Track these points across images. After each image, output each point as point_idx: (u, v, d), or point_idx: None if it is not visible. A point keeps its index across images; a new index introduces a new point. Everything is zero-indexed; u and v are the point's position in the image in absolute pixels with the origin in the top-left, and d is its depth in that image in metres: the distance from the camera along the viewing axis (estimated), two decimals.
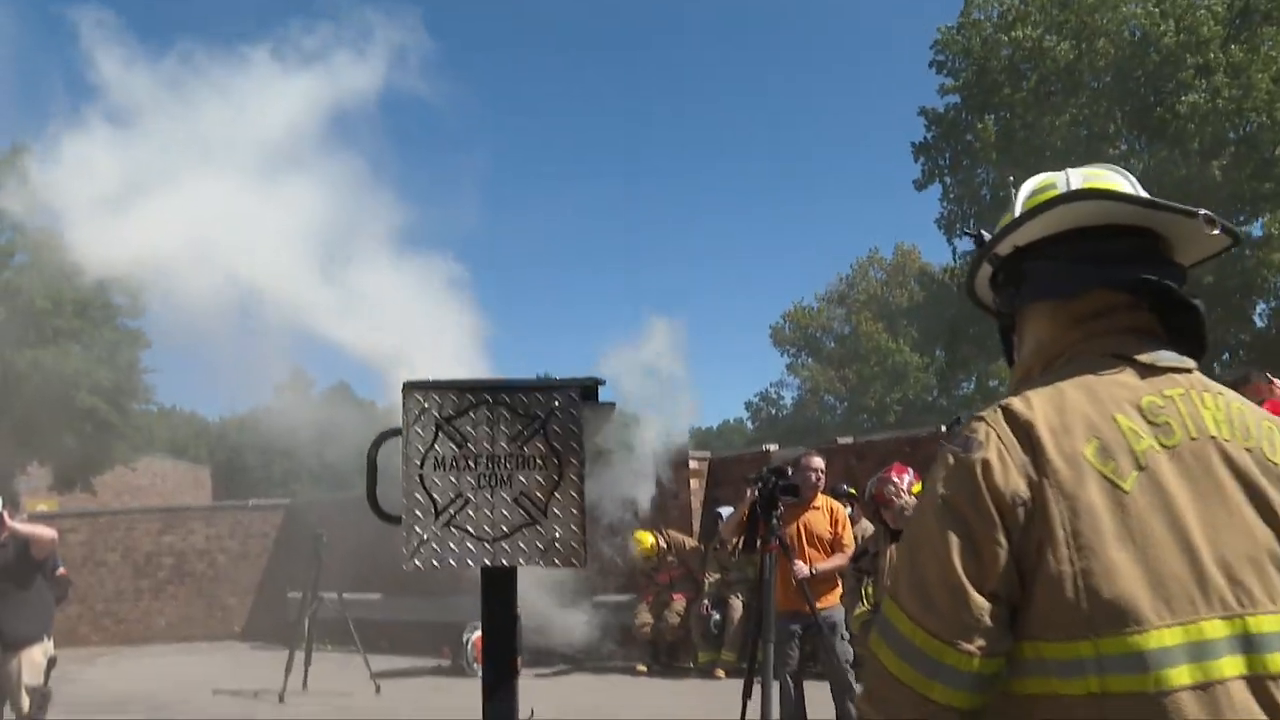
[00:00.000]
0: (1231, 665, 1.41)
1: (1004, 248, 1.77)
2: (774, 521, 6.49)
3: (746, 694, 6.28)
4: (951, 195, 29.92)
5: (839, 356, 46.53)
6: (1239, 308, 26.06)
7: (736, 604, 11.46)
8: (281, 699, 10.50)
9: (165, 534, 19.29)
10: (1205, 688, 1.39)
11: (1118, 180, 1.76)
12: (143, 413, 29.06)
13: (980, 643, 1.45)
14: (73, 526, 18.31)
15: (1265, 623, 1.43)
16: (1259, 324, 26.94)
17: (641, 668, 11.90)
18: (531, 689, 11.84)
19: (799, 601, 6.91)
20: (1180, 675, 1.39)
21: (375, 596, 14.76)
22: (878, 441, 12.88)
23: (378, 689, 10.89)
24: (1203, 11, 23.04)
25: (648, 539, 12.33)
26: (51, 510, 21.73)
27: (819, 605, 6.97)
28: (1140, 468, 1.48)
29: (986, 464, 1.49)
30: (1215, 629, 1.42)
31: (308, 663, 11.18)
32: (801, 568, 7.08)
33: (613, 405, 3.05)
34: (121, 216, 10.06)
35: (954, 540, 1.49)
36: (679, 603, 11.99)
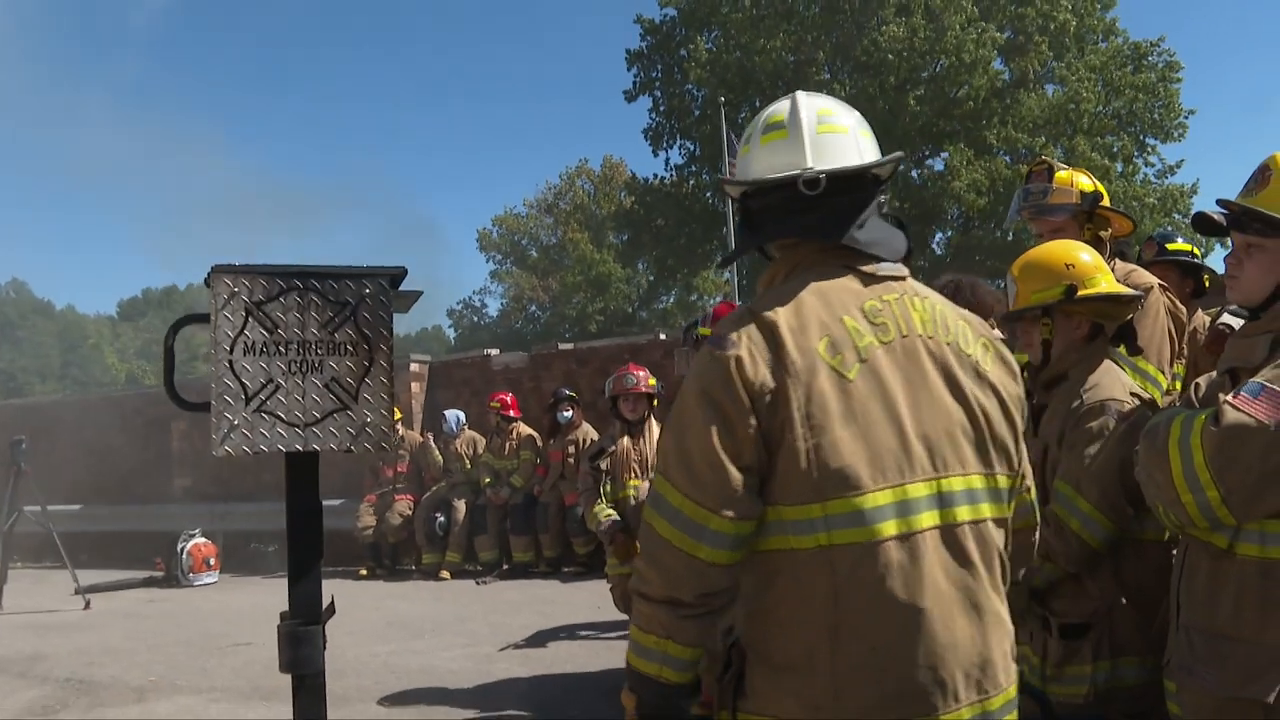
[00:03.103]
0: (929, 518, 1.77)
1: (733, 192, 2.06)
2: None
3: None
4: (661, 108, 30.55)
5: (544, 266, 46.91)
6: (920, 236, 28.29)
7: (461, 505, 11.58)
8: None
9: None
10: (907, 537, 1.74)
11: (845, 123, 2.00)
12: None
13: (738, 509, 1.76)
14: None
15: (955, 483, 1.81)
16: (938, 251, 29.40)
17: (363, 571, 11.85)
18: (254, 592, 11.52)
19: None
20: (889, 528, 1.74)
21: (75, 507, 13.84)
22: (599, 348, 13.24)
23: (87, 604, 10.26)
24: None
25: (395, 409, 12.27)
26: None
27: None
28: (862, 360, 1.80)
29: (739, 359, 1.78)
30: (918, 490, 1.77)
31: (3, 581, 10.39)
32: None
33: (419, 293, 3.09)
34: None
35: (714, 424, 1.77)
36: (402, 504, 11.96)
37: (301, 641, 2.80)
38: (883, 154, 2.03)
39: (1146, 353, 3.55)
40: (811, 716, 1.74)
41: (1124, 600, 2.94)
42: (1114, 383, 3.06)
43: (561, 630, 8.04)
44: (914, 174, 28.72)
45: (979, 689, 1.77)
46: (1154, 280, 3.77)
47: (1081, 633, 2.95)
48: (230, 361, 2.70)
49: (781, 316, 1.81)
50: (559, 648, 7.52)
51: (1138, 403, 2.99)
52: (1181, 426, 2.28)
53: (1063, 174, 4.03)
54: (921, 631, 1.73)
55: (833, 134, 1.98)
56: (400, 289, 2.94)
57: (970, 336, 1.94)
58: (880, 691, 1.72)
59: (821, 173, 1.90)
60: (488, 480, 11.61)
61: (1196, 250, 5.23)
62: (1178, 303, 3.98)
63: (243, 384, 2.71)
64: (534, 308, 48.06)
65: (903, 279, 1.95)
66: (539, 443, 11.52)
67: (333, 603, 2.98)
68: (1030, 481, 2.08)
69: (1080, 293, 3.10)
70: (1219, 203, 2.47)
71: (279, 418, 2.74)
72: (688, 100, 29.90)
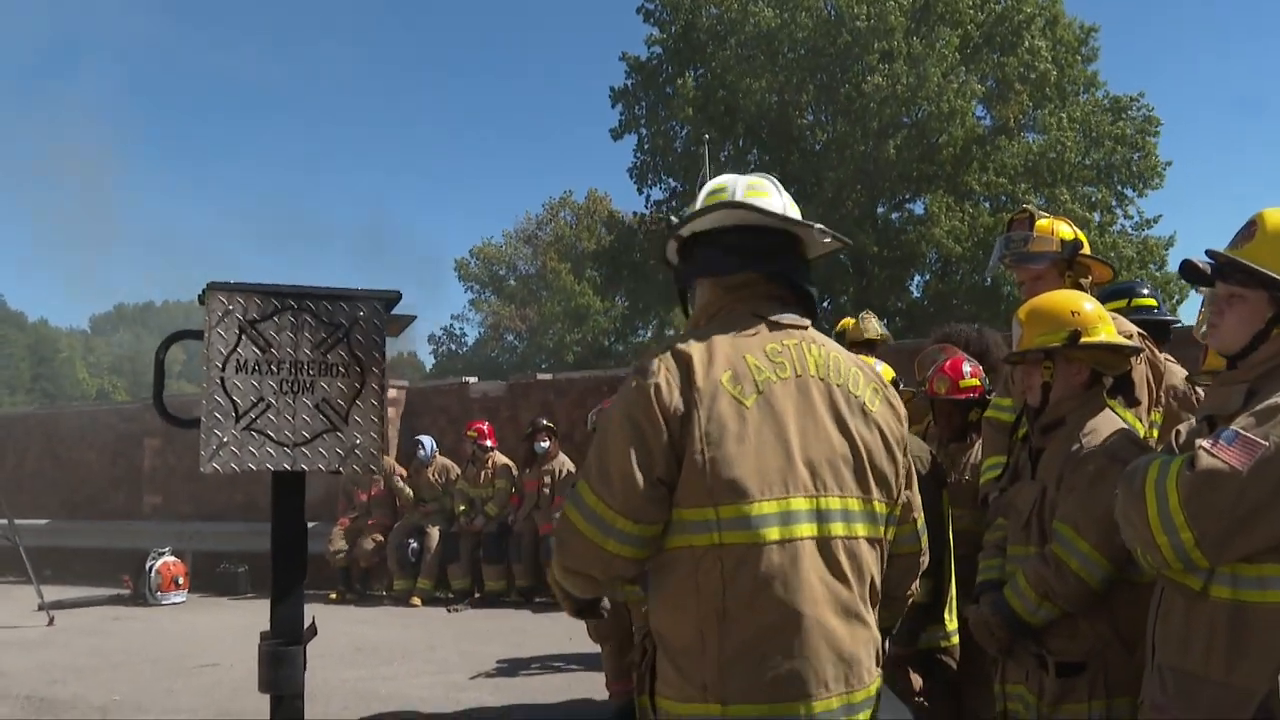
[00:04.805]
0: (807, 529, 2.07)
1: (685, 232, 2.37)
2: None
3: None
4: (646, 146, 30.70)
5: (522, 295, 46.84)
6: (898, 278, 28.49)
7: (434, 533, 11.54)
8: None
9: None
10: (787, 543, 2.04)
11: (770, 191, 2.37)
12: None
13: (641, 515, 2.07)
14: None
15: (831, 502, 2.11)
16: (914, 294, 29.60)
17: (333, 595, 11.74)
18: (223, 613, 11.37)
19: None
20: (771, 533, 2.03)
21: (42, 522, 13.67)
22: (577, 379, 13.25)
23: (51, 620, 10.12)
24: (891, 2, 24.83)
25: None
26: None
27: None
28: (759, 392, 2.12)
29: (658, 386, 2.10)
30: (799, 504, 2.07)
31: None
32: None
33: (412, 318, 3.11)
34: None
35: (632, 442, 2.08)
36: (375, 529, 11.90)
37: (282, 661, 2.80)
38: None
39: (1126, 400, 3.63)
40: (701, 698, 2.02)
41: (1118, 640, 3.02)
42: (1112, 428, 3.17)
43: (533, 660, 8.00)
44: (894, 218, 28.98)
45: (846, 682, 2.05)
46: (1134, 329, 3.84)
47: (1077, 671, 3.04)
48: (222, 379, 2.72)
49: (695, 351, 2.13)
50: (530, 678, 7.49)
51: (1135, 447, 3.07)
52: (1158, 470, 2.36)
53: (1043, 222, 4.10)
54: (797, 625, 2.01)
55: (796, 210, 2.37)
56: (393, 312, 2.97)
57: (861, 381, 2.26)
58: (759, 673, 2.00)
59: (820, 227, 2.29)
60: (462, 508, 11.56)
61: (1155, 302, 5.32)
62: (1156, 352, 4.05)
63: (234, 401, 2.73)
64: (510, 337, 47.98)
65: (804, 328, 2.28)
66: (515, 472, 11.50)
67: (314, 624, 2.98)
68: (918, 514, 2.38)
69: (1083, 339, 3.21)
70: (1207, 253, 2.56)
71: (269, 436, 2.76)
72: (671, 138, 30.07)
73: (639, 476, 2.05)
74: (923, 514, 2.40)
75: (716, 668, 2.01)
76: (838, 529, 2.09)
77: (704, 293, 2.36)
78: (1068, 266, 4.05)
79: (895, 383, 4.44)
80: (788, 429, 2.10)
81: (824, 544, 2.07)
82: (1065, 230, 4.09)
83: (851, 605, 2.09)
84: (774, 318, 2.25)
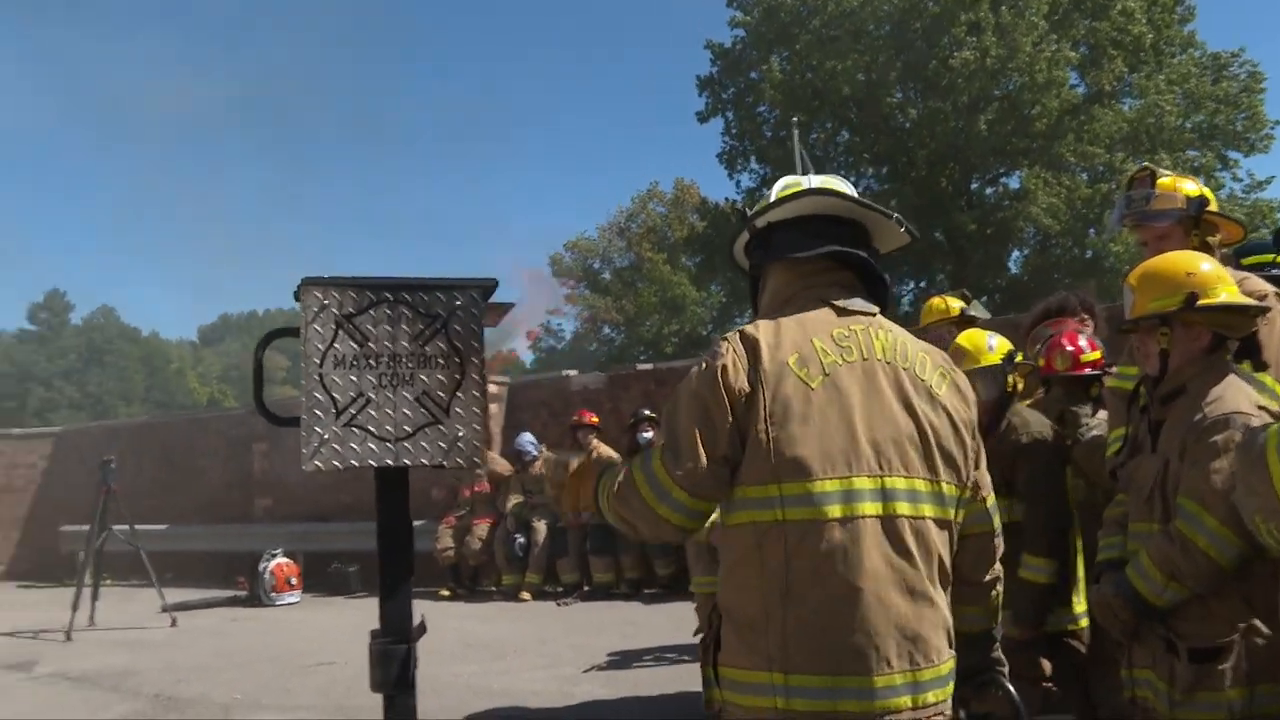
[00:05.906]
0: (871, 507, 2.10)
1: (761, 222, 2.44)
2: None
3: None
4: (733, 130, 30.49)
5: (617, 288, 46.77)
6: (996, 255, 27.80)
7: (540, 526, 11.57)
8: (69, 637, 9.85)
9: None
10: (848, 520, 2.09)
11: (843, 188, 2.43)
12: None
13: (697, 488, 2.17)
14: None
15: (896, 482, 2.14)
16: (1013, 270, 28.88)
17: (444, 592, 11.86)
18: (336, 612, 11.53)
19: None
20: (833, 510, 2.08)
21: (161, 527, 14.07)
22: (678, 368, 13.13)
23: (173, 621, 10.42)
24: None
25: None
26: None
27: None
28: (825, 374, 2.18)
29: (724, 368, 2.18)
30: (862, 483, 2.11)
31: (95, 598, 10.56)
32: None
33: (510, 305, 3.05)
34: None
35: (698, 418, 2.18)
36: (481, 527, 11.97)
37: (393, 660, 2.75)
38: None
39: (1254, 364, 3.39)
40: (766, 668, 2.07)
41: (1258, 623, 2.79)
42: (1238, 395, 2.92)
43: (645, 652, 7.96)
44: (989, 193, 28.30)
45: (910, 660, 2.07)
46: (1269, 288, 3.60)
47: (1212, 657, 2.81)
48: (320, 375, 2.68)
49: (763, 334, 2.22)
50: (642, 670, 7.44)
51: (1266, 416, 2.84)
52: (1279, 434, 2.18)
53: (1166, 180, 3.88)
54: (857, 601, 2.05)
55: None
56: (490, 300, 2.90)
57: (929, 366, 2.31)
58: (822, 648, 2.04)
59: (897, 217, 2.39)
60: None
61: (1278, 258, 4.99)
62: None
63: (333, 398, 2.68)
64: (607, 330, 48.02)
65: (872, 315, 2.34)
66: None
67: (423, 621, 2.94)
68: (987, 492, 2.39)
69: (1201, 302, 2.97)
70: None
71: (370, 432, 2.71)
72: (759, 123, 29.81)
73: (703, 453, 2.14)
74: (993, 493, 2.43)
75: (781, 640, 2.06)
76: (903, 508, 2.13)
77: (777, 278, 2.43)
78: (1194, 225, 3.80)
79: (1011, 355, 4.28)
80: (853, 411, 2.15)
81: (889, 523, 2.11)
82: (1190, 187, 3.85)
83: (917, 584, 2.12)
84: (842, 303, 2.32)
